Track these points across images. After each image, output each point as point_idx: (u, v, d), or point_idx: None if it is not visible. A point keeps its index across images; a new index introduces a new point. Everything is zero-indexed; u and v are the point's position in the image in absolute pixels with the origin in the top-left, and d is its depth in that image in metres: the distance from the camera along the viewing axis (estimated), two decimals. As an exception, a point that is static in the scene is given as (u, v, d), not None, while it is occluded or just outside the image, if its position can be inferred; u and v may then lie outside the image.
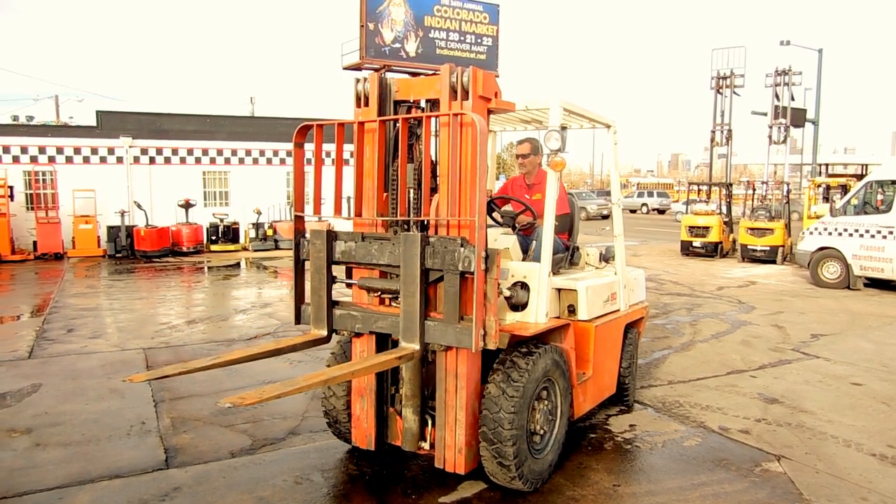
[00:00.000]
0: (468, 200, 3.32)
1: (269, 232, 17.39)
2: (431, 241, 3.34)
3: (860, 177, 21.51)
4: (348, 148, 3.59)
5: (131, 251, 15.53)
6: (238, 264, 14.78)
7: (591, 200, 35.51)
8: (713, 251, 16.14)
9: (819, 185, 16.00)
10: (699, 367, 6.33)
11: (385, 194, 3.66)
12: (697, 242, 16.30)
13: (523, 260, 4.33)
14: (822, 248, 11.63)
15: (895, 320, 8.78)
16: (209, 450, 4.25)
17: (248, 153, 18.93)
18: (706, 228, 16.23)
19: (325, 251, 3.61)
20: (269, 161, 19.19)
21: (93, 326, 7.97)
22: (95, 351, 6.78)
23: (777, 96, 20.53)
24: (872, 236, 10.92)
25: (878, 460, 4.23)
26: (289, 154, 18.33)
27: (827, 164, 33.79)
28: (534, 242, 4.39)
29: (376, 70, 3.96)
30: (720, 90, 19.49)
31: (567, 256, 4.83)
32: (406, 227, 3.60)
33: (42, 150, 16.45)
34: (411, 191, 3.60)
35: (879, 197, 11.42)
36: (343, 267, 3.79)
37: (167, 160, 17.89)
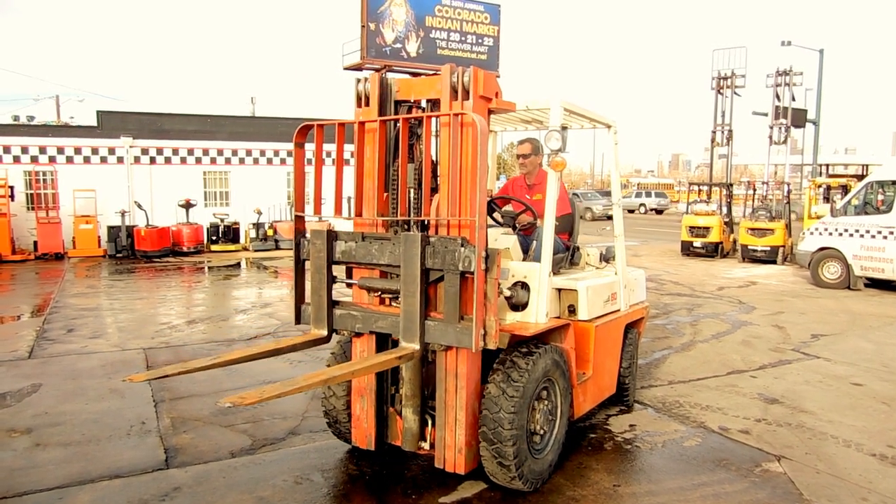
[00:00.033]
0: (468, 200, 3.32)
1: (270, 232, 17.38)
2: (432, 240, 3.34)
3: (861, 177, 21.50)
4: (349, 148, 3.59)
5: (132, 251, 15.53)
6: (238, 264, 14.79)
7: (596, 201, 34.87)
8: (713, 251, 16.13)
9: (819, 186, 15.99)
10: (699, 368, 6.33)
11: (385, 194, 3.66)
12: (698, 242, 16.29)
13: (524, 260, 4.33)
14: (822, 249, 11.63)
15: (895, 320, 8.77)
16: (209, 450, 4.25)
17: (249, 153, 18.93)
18: (707, 229, 16.22)
19: (326, 251, 3.61)
20: (269, 161, 19.19)
21: (93, 326, 7.97)
22: (96, 351, 6.79)
23: (778, 96, 20.52)
24: (873, 237, 10.91)
25: (879, 460, 4.23)
26: (289, 154, 18.33)
27: (827, 165, 33.78)
28: (534, 242, 4.39)
29: (377, 70, 3.97)
30: (721, 90, 19.48)
31: (567, 256, 4.83)
32: (406, 227, 3.60)
33: (43, 150, 16.45)
34: (412, 191, 3.60)
35: (880, 197, 11.41)
36: (343, 267, 3.79)
37: (168, 160, 17.89)
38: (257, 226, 17.49)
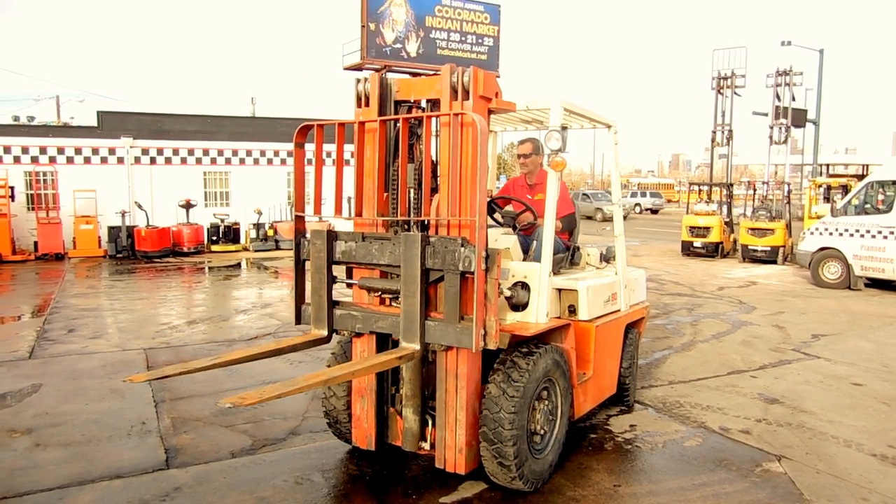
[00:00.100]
0: (469, 200, 3.32)
1: (270, 232, 17.39)
2: (432, 241, 3.34)
3: (861, 177, 21.48)
4: (349, 148, 3.59)
5: (132, 251, 15.54)
6: (239, 264, 14.79)
7: (606, 202, 33.55)
8: (714, 251, 16.13)
9: (820, 186, 15.99)
10: (700, 368, 6.33)
11: (385, 194, 3.66)
12: (698, 242, 16.30)
13: (524, 260, 4.33)
14: (822, 249, 11.63)
15: (895, 320, 8.78)
16: (210, 450, 4.25)
17: (249, 153, 18.94)
18: (707, 229, 16.23)
19: (326, 251, 3.61)
20: (269, 161, 19.20)
21: (93, 327, 7.97)
22: (96, 351, 6.79)
23: (778, 97, 20.51)
24: (873, 236, 10.91)
25: (879, 460, 4.23)
26: (289, 154, 18.34)
27: (828, 165, 33.77)
28: (534, 242, 4.39)
29: (377, 70, 3.97)
30: (721, 90, 19.46)
31: (568, 256, 4.83)
32: (406, 227, 3.60)
33: (43, 150, 16.46)
34: (412, 191, 3.60)
35: (880, 197, 11.40)
36: (343, 267, 3.80)
37: (168, 160, 17.90)
38: (257, 226, 17.50)
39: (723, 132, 19.39)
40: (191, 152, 18.18)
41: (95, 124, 17.28)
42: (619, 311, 4.78)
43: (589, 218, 31.61)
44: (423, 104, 3.72)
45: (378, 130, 3.53)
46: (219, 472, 3.92)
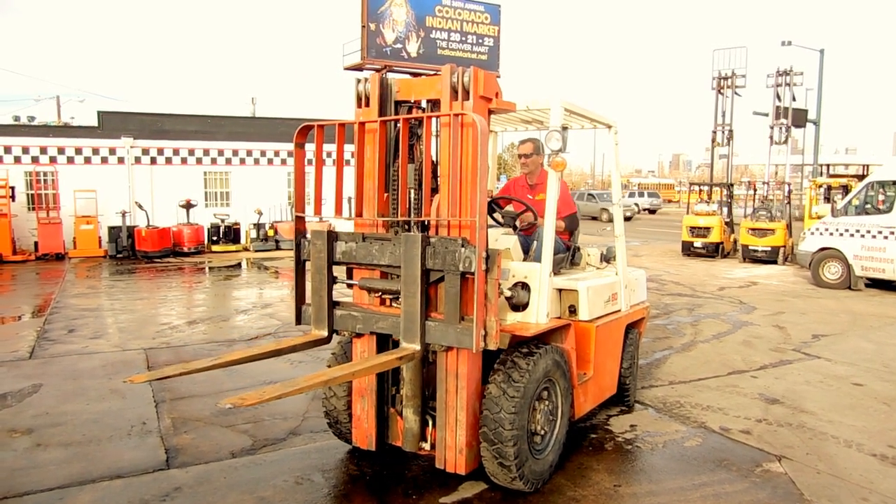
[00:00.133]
0: (469, 201, 3.32)
1: (270, 232, 17.39)
2: (432, 241, 3.34)
3: (861, 177, 21.49)
4: (349, 148, 3.59)
5: (132, 252, 15.54)
6: (239, 265, 14.79)
7: (611, 202, 34.35)
8: (714, 251, 16.13)
9: (820, 186, 15.99)
10: (700, 368, 6.33)
11: (386, 195, 3.66)
12: (698, 243, 16.30)
13: (524, 260, 4.32)
14: (823, 249, 11.62)
15: (895, 321, 8.77)
16: (210, 450, 4.25)
17: (249, 153, 18.94)
18: (707, 229, 16.23)
19: (326, 252, 3.61)
20: (269, 161, 19.20)
21: (94, 327, 7.97)
22: (96, 351, 6.79)
23: (778, 97, 20.50)
24: (874, 237, 10.91)
25: (879, 461, 4.22)
26: (290, 154, 18.34)
27: (828, 165, 33.76)
28: (535, 243, 4.39)
29: (377, 70, 3.97)
30: (721, 90, 19.44)
31: (568, 257, 4.82)
32: (407, 227, 3.60)
33: (43, 150, 16.47)
34: (412, 191, 3.60)
35: (881, 197, 11.40)
36: (344, 267, 3.80)
37: (168, 160, 17.90)
38: (258, 226, 17.50)
39: (723, 132, 19.37)
40: (191, 152, 18.19)
41: (96, 124, 17.29)
42: (619, 311, 4.78)
43: (594, 218, 31.57)
44: (424, 104, 3.72)
45: (378, 131, 3.54)
46: (219, 472, 3.92)
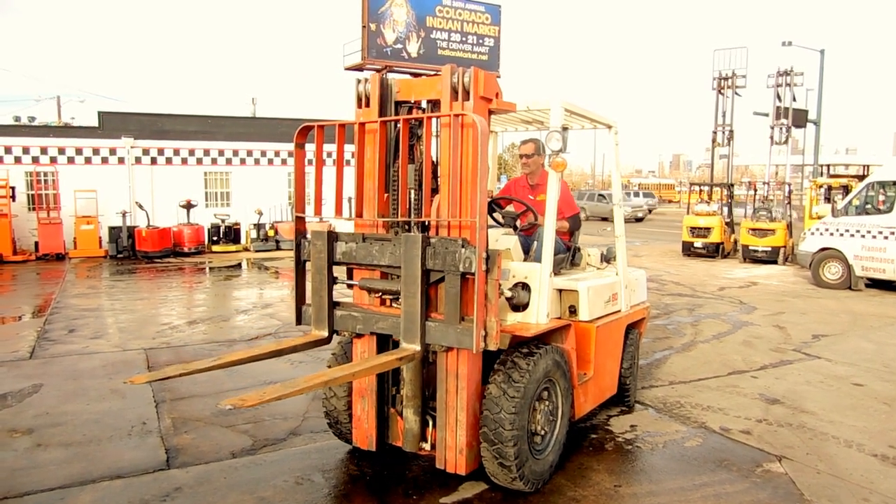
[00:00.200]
0: (469, 201, 3.32)
1: (271, 232, 17.40)
2: (432, 241, 3.34)
3: (862, 177, 21.45)
4: (349, 149, 3.59)
5: (133, 252, 15.54)
6: (239, 265, 14.79)
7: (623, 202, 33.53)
8: (714, 252, 16.13)
9: (821, 186, 15.98)
10: (700, 368, 6.33)
11: (386, 195, 3.66)
12: (699, 243, 16.30)
13: (524, 260, 4.32)
14: (823, 249, 11.62)
15: (897, 321, 8.77)
16: (210, 450, 4.25)
17: (250, 154, 18.95)
18: (707, 229, 16.23)
19: (326, 252, 3.61)
20: (270, 162, 19.21)
21: (94, 327, 7.98)
22: (97, 351, 6.79)
23: (779, 97, 20.47)
24: (874, 237, 10.91)
25: (880, 461, 4.22)
26: (290, 155, 18.34)
27: (828, 165, 33.69)
28: (535, 243, 4.39)
29: (378, 71, 3.97)
30: (722, 91, 19.43)
31: (568, 257, 4.82)
32: (407, 227, 3.60)
33: (44, 150, 16.47)
34: (412, 191, 3.60)
35: (881, 198, 11.41)
36: (344, 268, 3.80)
37: (168, 161, 17.91)
38: (258, 226, 17.50)
39: (723, 132, 19.37)
40: (191, 152, 18.19)
41: (96, 124, 17.30)
42: (619, 311, 4.78)
43: (604, 219, 31.32)
44: (424, 105, 3.72)
45: (378, 131, 3.54)
46: (219, 473, 3.93)
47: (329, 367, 4.05)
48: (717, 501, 3.65)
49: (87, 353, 6.69)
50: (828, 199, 14.30)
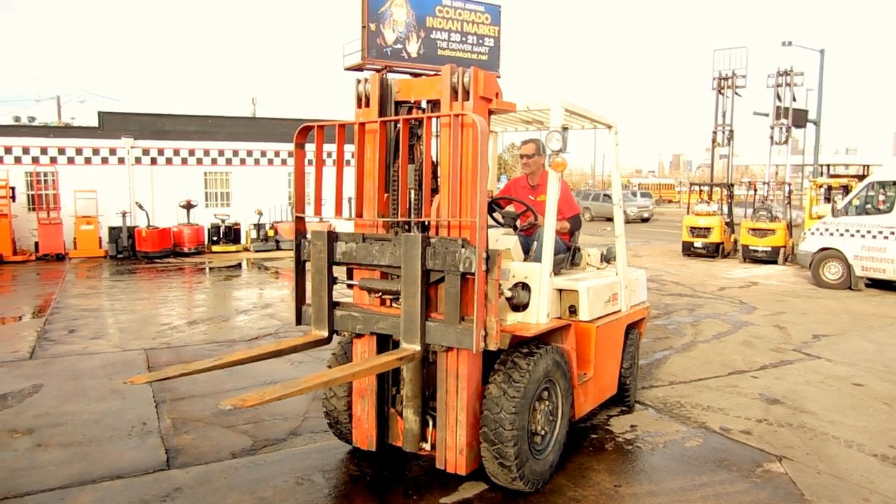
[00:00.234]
0: (469, 201, 3.32)
1: (271, 233, 17.40)
2: (432, 241, 3.34)
3: (862, 177, 21.45)
4: (349, 149, 3.59)
5: (133, 252, 15.54)
6: (239, 265, 14.79)
7: (630, 202, 32.12)
8: (714, 252, 16.14)
9: (821, 186, 15.98)
10: (700, 368, 6.33)
11: (386, 195, 3.66)
12: (699, 243, 16.30)
13: (524, 260, 4.32)
14: (823, 249, 11.62)
15: (897, 321, 8.77)
16: (210, 450, 4.25)
17: (250, 154, 18.95)
18: (707, 229, 16.23)
19: (326, 252, 3.61)
20: (270, 162, 19.21)
21: (94, 327, 7.98)
22: (97, 351, 6.79)
23: (779, 97, 20.46)
24: (874, 237, 10.91)
25: (880, 461, 4.22)
26: (290, 155, 18.34)
27: (828, 165, 33.68)
28: (535, 243, 4.39)
29: (378, 71, 3.98)
30: (722, 91, 19.42)
31: (568, 257, 4.82)
32: (407, 227, 3.60)
33: (44, 150, 16.48)
34: (412, 192, 3.60)
35: (881, 198, 11.40)
36: (344, 268, 3.80)
37: (168, 161, 17.91)
38: (258, 226, 17.50)
39: (723, 132, 19.36)
40: (191, 153, 18.19)
41: (96, 125, 17.30)
42: (619, 311, 4.78)
43: (609, 219, 31.25)
44: (424, 105, 3.72)
45: (378, 131, 3.54)
46: (219, 473, 3.93)
47: (329, 367, 4.05)
48: (718, 501, 3.65)
49: (88, 354, 6.69)
50: (828, 199, 14.30)
